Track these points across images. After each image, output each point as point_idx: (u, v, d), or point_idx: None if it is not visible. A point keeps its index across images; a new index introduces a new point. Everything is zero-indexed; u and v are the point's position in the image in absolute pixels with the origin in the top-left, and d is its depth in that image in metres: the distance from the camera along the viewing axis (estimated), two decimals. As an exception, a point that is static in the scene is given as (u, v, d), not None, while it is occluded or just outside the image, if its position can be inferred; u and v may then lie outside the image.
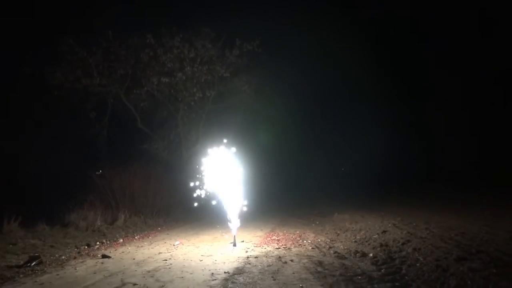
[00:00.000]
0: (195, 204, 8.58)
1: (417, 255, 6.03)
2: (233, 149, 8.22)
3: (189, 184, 8.55)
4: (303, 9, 22.07)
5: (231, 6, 17.66)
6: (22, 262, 6.72)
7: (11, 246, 8.22)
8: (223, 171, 8.18)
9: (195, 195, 8.39)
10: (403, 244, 6.92)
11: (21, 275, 6.02)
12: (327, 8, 23.25)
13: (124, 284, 5.32)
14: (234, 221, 8.31)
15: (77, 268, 6.42)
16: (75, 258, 7.38)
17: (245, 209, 8.41)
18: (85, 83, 14.66)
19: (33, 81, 14.72)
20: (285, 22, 20.76)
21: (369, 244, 7.49)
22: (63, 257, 7.48)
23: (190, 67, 15.25)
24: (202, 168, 8.28)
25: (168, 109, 16.91)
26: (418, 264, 5.55)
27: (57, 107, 15.85)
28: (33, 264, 6.62)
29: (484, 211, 10.34)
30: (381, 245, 7.13)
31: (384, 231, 8.41)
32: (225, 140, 8.16)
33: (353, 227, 9.76)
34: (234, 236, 8.23)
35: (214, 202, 8.31)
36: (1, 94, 15.88)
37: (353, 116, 29.24)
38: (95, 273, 6.05)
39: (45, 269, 6.45)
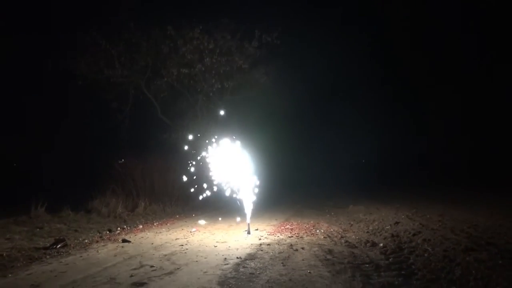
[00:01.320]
0: (203, 195, 8.86)
1: (426, 245, 6.13)
2: (246, 142, 8.45)
3: (207, 174, 8.84)
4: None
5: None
6: (48, 245, 7.16)
7: (38, 229, 8.71)
8: (237, 161, 8.41)
9: (205, 185, 8.67)
10: (413, 235, 7.01)
11: (48, 256, 6.43)
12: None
13: (142, 266, 5.64)
14: (248, 210, 8.55)
15: (99, 251, 6.80)
16: (97, 242, 7.79)
17: (255, 198, 8.63)
18: (107, 74, 15.08)
19: (57, 72, 15.26)
20: (303, 13, 20.69)
21: (380, 235, 7.60)
22: (86, 240, 7.90)
23: (209, 58, 15.45)
24: (216, 158, 8.54)
25: (187, 100, 17.22)
26: (426, 254, 5.66)
27: (80, 98, 16.42)
28: (58, 246, 7.05)
29: (503, 207, 10.20)
30: (392, 236, 7.24)
31: (397, 223, 8.49)
32: (234, 137, 8.41)
33: (366, 218, 9.87)
34: (248, 224, 8.48)
35: (228, 192, 8.58)
36: (27, 86, 16.56)
37: (372, 107, 28.95)
38: (115, 256, 6.40)
39: (70, 251, 6.86)
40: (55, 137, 17.53)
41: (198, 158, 9.26)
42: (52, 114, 17.25)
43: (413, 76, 23.84)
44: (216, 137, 8.85)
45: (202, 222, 10.29)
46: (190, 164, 10.19)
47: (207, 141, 9.12)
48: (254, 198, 8.60)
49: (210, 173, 8.80)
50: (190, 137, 8.74)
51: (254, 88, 17.50)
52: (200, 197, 9.38)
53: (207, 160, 8.83)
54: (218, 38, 15.37)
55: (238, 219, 9.68)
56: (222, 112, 8.58)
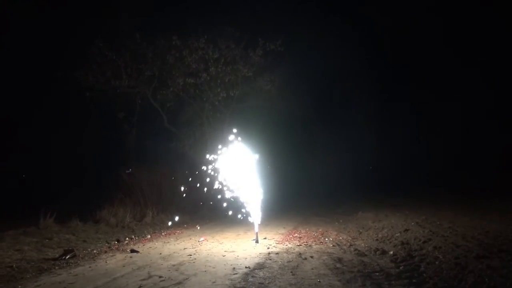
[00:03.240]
0: (211, 203, 8.82)
1: (437, 253, 6.05)
2: (253, 149, 8.45)
3: (214, 183, 8.84)
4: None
5: (254, 5, 17.83)
6: (57, 255, 7.18)
7: (47, 240, 8.74)
8: (244, 169, 8.40)
9: (219, 196, 8.67)
10: (424, 242, 6.93)
11: (57, 267, 6.45)
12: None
13: (150, 276, 5.63)
14: (256, 219, 8.51)
15: (108, 262, 6.80)
16: (106, 252, 7.79)
17: (263, 211, 8.61)
18: (114, 85, 15.22)
19: (65, 84, 15.45)
20: (306, 20, 20.78)
21: (390, 242, 7.52)
22: (94, 251, 7.91)
23: (214, 68, 15.56)
24: (222, 165, 8.55)
25: (193, 108, 17.30)
26: (437, 262, 5.58)
27: (88, 108, 16.58)
28: (67, 257, 7.06)
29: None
30: (402, 243, 7.16)
31: (406, 230, 8.40)
32: (239, 138, 8.41)
33: (376, 226, 9.77)
34: (257, 233, 8.44)
35: (233, 200, 8.58)
36: (35, 97, 16.78)
37: (379, 113, 28.81)
38: (124, 266, 6.40)
39: (78, 262, 6.86)
40: (62, 148, 17.68)
41: (205, 167, 9.25)
42: (59, 125, 17.45)
43: (420, 83, 23.88)
44: (222, 145, 8.85)
45: (209, 232, 10.26)
46: (197, 173, 10.21)
47: (213, 149, 9.14)
48: (261, 207, 8.57)
49: (218, 182, 8.80)
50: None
51: (260, 96, 17.54)
52: (207, 206, 9.40)
53: (215, 168, 8.82)
54: (222, 48, 15.47)
55: (246, 228, 9.63)
56: (233, 132, 8.62)
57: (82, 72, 14.88)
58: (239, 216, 8.96)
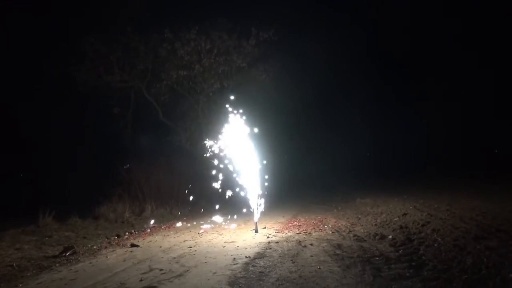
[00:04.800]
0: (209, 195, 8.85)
1: (435, 235, 6.09)
2: (250, 140, 8.43)
3: (212, 174, 8.84)
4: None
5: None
6: (57, 253, 7.17)
7: (47, 238, 8.72)
8: (243, 159, 8.40)
9: (217, 186, 8.67)
10: (422, 225, 6.97)
11: (57, 264, 6.44)
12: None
13: (151, 269, 5.64)
14: (255, 209, 8.53)
15: (108, 257, 6.81)
16: (106, 247, 7.79)
17: (263, 200, 8.63)
18: (107, 80, 15.11)
19: (58, 80, 15.33)
20: (299, 8, 20.61)
21: (389, 227, 7.56)
22: (95, 247, 7.90)
23: (207, 59, 15.44)
24: (221, 156, 8.54)
25: (188, 101, 17.21)
26: (436, 244, 5.62)
27: (82, 104, 16.47)
28: (67, 254, 7.05)
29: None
30: (401, 227, 7.20)
31: (405, 214, 8.45)
32: (243, 118, 8.40)
33: (374, 211, 9.82)
34: (256, 223, 8.46)
35: (230, 193, 8.61)
36: (29, 93, 16.64)
37: (375, 101, 28.83)
38: (124, 260, 6.41)
39: (79, 258, 6.86)
40: (58, 145, 17.60)
41: (203, 159, 9.25)
42: (54, 121, 17.33)
43: (413, 70, 23.85)
44: (220, 135, 8.82)
45: (208, 224, 10.28)
46: (195, 165, 10.22)
47: (210, 140, 9.13)
48: (261, 196, 8.59)
49: (216, 172, 8.80)
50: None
51: (255, 86, 17.45)
52: (206, 198, 9.40)
53: (213, 157, 8.81)
54: (215, 38, 15.33)
55: (245, 218, 9.65)
56: (232, 97, 8.68)
57: (75, 68, 14.75)
58: (239, 206, 8.98)
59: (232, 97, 8.87)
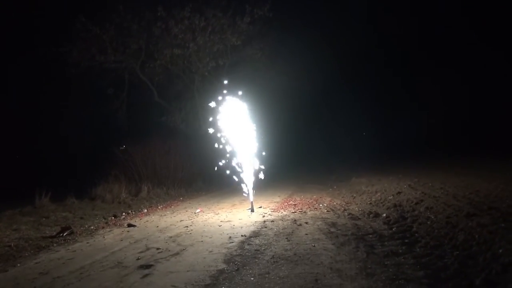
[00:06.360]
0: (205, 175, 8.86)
1: (428, 213, 6.17)
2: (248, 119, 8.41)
3: (209, 154, 8.85)
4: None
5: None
6: (55, 233, 7.23)
7: (44, 219, 8.78)
8: (239, 139, 8.41)
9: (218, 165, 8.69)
10: (416, 203, 7.05)
11: (55, 244, 6.50)
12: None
13: (148, 249, 5.70)
14: (251, 188, 8.59)
15: (105, 237, 6.87)
16: (103, 228, 7.85)
17: (261, 176, 8.66)
18: (100, 60, 14.91)
19: (50, 61, 15.09)
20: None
21: (383, 205, 7.65)
22: (92, 227, 7.97)
23: (201, 37, 15.23)
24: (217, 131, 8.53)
25: (183, 81, 17.09)
26: (429, 222, 5.69)
27: (77, 85, 16.29)
28: (65, 234, 7.11)
29: (505, 171, 10.17)
30: (395, 206, 7.28)
31: (399, 192, 8.52)
32: (239, 92, 8.38)
33: (369, 190, 9.91)
34: (252, 202, 8.53)
35: (227, 172, 8.64)
36: (20, 75, 16.42)
37: (371, 81, 28.68)
38: (121, 240, 6.47)
39: (76, 238, 6.93)
40: (53, 127, 17.49)
41: (199, 139, 9.24)
42: (49, 103, 17.17)
43: (409, 49, 23.70)
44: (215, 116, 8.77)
45: (205, 204, 10.36)
46: (191, 146, 10.21)
47: (206, 121, 9.11)
48: (257, 176, 8.64)
49: (213, 153, 8.81)
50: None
51: (250, 65, 17.31)
52: (202, 178, 9.42)
53: (210, 134, 8.79)
54: (209, 16, 15.10)
55: (241, 198, 9.72)
56: (225, 81, 8.64)
57: (66, 49, 14.52)
58: (235, 186, 9.01)
59: (225, 82, 8.72)
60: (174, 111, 17.12)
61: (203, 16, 14.92)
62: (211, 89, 17.15)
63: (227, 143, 8.57)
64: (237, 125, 8.46)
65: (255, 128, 8.57)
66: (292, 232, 6.07)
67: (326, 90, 28.56)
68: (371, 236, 5.46)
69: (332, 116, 31.23)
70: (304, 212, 7.87)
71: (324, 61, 24.15)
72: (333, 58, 24.71)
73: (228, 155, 8.60)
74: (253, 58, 16.91)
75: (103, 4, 14.84)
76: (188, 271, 4.50)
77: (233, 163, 8.61)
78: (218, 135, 8.62)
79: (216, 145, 8.66)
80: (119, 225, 8.00)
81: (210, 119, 8.61)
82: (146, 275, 4.43)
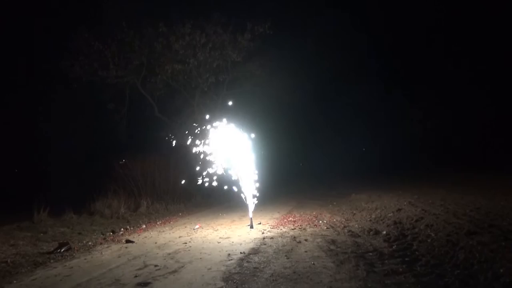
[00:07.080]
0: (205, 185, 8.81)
1: (429, 231, 6.13)
2: (247, 134, 8.42)
3: (207, 171, 8.82)
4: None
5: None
6: (52, 249, 7.16)
7: (42, 234, 8.71)
8: (237, 155, 8.39)
9: (207, 179, 8.64)
10: (416, 221, 7.01)
11: (52, 260, 6.44)
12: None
13: (146, 265, 5.64)
14: (251, 205, 8.55)
15: (103, 253, 6.81)
16: (101, 243, 7.78)
17: (258, 194, 8.64)
18: (102, 75, 15.02)
19: (52, 76, 15.23)
20: (294, 2, 20.53)
21: (383, 222, 7.61)
22: (90, 243, 7.90)
23: (202, 53, 15.39)
24: (216, 152, 8.52)
25: (183, 96, 17.18)
26: (429, 240, 5.66)
27: (77, 100, 16.38)
28: (62, 250, 7.04)
29: (505, 188, 10.15)
30: (395, 223, 7.25)
31: (399, 209, 8.49)
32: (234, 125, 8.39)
33: (369, 207, 9.87)
34: (251, 218, 8.48)
35: (225, 189, 8.60)
36: (23, 88, 16.54)
37: (370, 95, 28.81)
38: (119, 256, 6.41)
39: (74, 254, 6.86)
40: (53, 140, 17.52)
41: (198, 152, 9.20)
42: (49, 118, 17.24)
43: (411, 63, 23.91)
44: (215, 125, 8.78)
45: (203, 220, 10.30)
46: (191, 161, 10.18)
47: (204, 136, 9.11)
48: (255, 192, 8.60)
49: (211, 167, 8.78)
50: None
51: (250, 81, 17.43)
52: (201, 193, 9.36)
53: (208, 153, 8.77)
54: (210, 33, 15.29)
55: (240, 214, 9.67)
56: (230, 103, 8.69)
57: (68, 63, 14.66)
58: (234, 202, 8.96)
59: (230, 103, 8.75)
60: (174, 127, 17.16)
61: (204, 32, 15.10)
62: (211, 105, 17.27)
63: (226, 161, 8.54)
64: (235, 144, 8.45)
65: (254, 144, 8.57)
66: (292, 249, 6.02)
67: (326, 106, 28.79)
68: (371, 254, 5.41)
69: (333, 132, 31.33)
70: (304, 228, 7.82)
71: (325, 76, 24.41)
72: (334, 72, 24.98)
73: (224, 172, 8.57)
74: (254, 74, 17.04)
75: (105, 20, 15.07)
76: (186, 289, 4.44)
77: (232, 180, 8.57)
78: (212, 154, 8.61)
79: (215, 162, 8.63)
80: (117, 241, 7.93)
81: (207, 140, 8.61)
82: (143, 293, 4.38)
